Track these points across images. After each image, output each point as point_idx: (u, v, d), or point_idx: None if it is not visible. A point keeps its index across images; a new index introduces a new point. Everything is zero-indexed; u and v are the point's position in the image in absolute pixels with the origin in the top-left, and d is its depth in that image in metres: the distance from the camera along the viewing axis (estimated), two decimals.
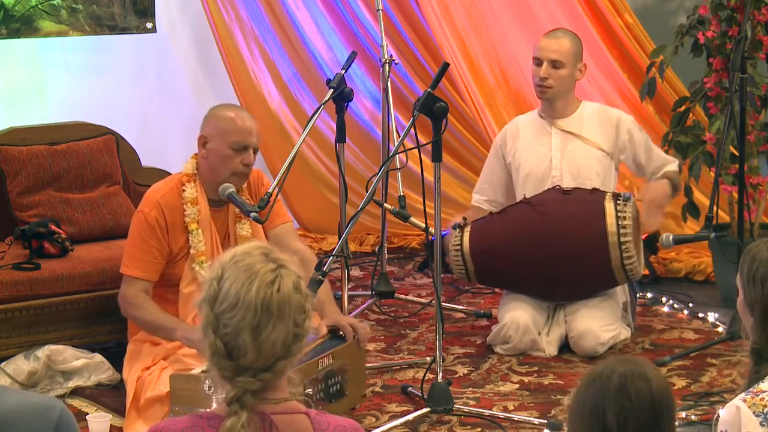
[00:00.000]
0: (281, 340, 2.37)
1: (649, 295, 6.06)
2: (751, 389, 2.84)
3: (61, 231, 5.20)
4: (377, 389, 4.92)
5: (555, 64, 5.39)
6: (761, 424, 2.75)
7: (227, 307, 2.37)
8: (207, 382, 4.07)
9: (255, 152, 4.66)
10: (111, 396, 4.81)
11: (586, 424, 2.36)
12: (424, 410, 4.58)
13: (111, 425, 4.32)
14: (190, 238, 4.62)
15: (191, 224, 4.62)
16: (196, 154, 4.70)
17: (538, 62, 5.42)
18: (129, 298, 4.62)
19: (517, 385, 4.96)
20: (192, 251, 4.61)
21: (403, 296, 6.12)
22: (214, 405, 3.97)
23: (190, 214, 4.62)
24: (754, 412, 2.77)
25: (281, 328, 2.37)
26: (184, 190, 4.64)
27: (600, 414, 2.35)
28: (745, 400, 2.81)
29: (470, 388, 4.94)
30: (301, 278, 2.43)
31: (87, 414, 4.48)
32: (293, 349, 2.40)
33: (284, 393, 2.44)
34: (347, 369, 4.51)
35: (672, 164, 5.53)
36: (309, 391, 4.25)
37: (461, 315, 5.92)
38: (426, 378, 4.74)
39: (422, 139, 4.65)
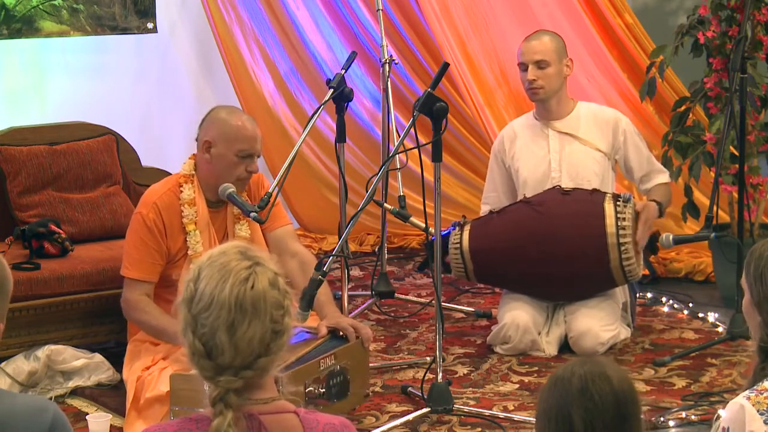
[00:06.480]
0: (258, 338, 2.37)
1: (649, 295, 6.06)
2: (755, 387, 2.83)
3: (61, 231, 5.20)
4: (377, 389, 4.92)
5: (540, 65, 5.39)
6: (765, 422, 2.74)
7: (203, 306, 2.38)
8: None
9: (257, 158, 4.67)
10: (111, 396, 4.81)
11: (552, 429, 2.35)
12: (424, 410, 4.58)
13: (111, 425, 4.31)
14: (187, 239, 4.61)
15: (189, 225, 4.61)
16: (194, 154, 4.69)
17: (524, 67, 5.43)
18: (132, 302, 4.61)
19: (517, 385, 4.96)
20: (190, 252, 4.60)
21: (403, 296, 6.12)
22: None
23: (188, 215, 4.62)
24: (758, 410, 2.75)
25: (257, 325, 2.37)
26: (181, 191, 4.63)
27: (566, 418, 2.33)
28: (749, 398, 2.79)
29: (470, 388, 4.94)
30: (278, 275, 2.43)
31: (87, 414, 4.48)
32: (272, 346, 2.39)
33: (271, 392, 2.44)
34: (350, 369, 4.50)
35: (663, 176, 5.50)
36: (311, 389, 4.25)
37: (461, 315, 5.92)
38: (426, 378, 4.74)
39: (422, 139, 4.65)
